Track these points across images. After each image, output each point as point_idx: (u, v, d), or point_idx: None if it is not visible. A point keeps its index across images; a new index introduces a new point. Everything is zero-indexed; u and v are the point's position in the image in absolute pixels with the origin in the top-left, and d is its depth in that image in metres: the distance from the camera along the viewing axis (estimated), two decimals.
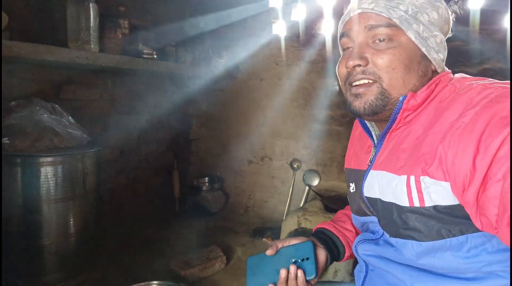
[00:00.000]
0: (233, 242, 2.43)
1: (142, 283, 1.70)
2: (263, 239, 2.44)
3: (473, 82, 0.70)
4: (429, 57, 0.75)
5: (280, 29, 2.75)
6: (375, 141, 0.84)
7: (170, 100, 2.84)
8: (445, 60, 0.79)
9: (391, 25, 0.73)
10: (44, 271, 1.65)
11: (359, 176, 0.86)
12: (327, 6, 2.40)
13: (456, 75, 0.78)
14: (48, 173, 1.58)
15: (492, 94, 0.62)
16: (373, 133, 0.85)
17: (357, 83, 0.76)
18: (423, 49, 0.74)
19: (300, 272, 0.81)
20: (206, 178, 3.06)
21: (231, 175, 3.06)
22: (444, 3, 0.78)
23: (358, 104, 0.76)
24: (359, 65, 0.75)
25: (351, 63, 0.75)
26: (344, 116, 2.58)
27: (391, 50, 0.73)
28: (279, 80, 2.80)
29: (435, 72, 0.78)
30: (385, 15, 0.73)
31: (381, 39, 0.74)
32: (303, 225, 1.97)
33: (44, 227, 1.61)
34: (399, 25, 0.73)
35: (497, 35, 2.15)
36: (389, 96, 0.74)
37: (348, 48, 0.80)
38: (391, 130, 0.77)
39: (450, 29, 0.82)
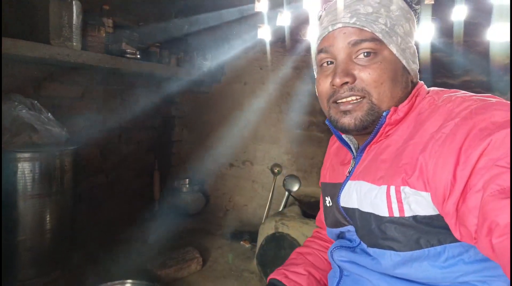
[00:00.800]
0: (210, 244, 2.43)
1: (116, 282, 1.70)
2: (241, 242, 2.45)
3: (451, 94, 0.72)
4: (408, 68, 0.76)
5: (265, 34, 2.77)
6: (354, 154, 0.85)
7: (152, 101, 2.83)
8: (417, 69, 0.81)
9: (374, 39, 0.72)
10: (18, 267, 1.63)
11: (336, 189, 0.86)
12: (312, 12, 2.45)
13: (431, 88, 0.79)
14: (25, 169, 1.56)
15: (472, 106, 0.63)
16: (351, 146, 0.85)
17: (344, 100, 0.75)
18: (403, 61, 0.74)
19: None
20: (187, 179, 3.05)
21: (212, 177, 3.07)
22: (413, 15, 0.79)
23: (348, 121, 0.75)
24: (347, 83, 0.73)
25: (338, 80, 0.73)
26: (325, 123, 2.62)
27: (377, 65, 0.72)
28: (262, 84, 2.82)
29: (412, 82, 0.79)
30: (368, 29, 0.72)
31: (365, 54, 0.73)
32: (280, 230, 1.99)
33: (20, 223, 1.60)
34: (382, 39, 0.72)
35: (478, 48, 2.19)
36: (379, 111, 0.74)
37: (326, 64, 0.78)
38: (372, 143, 0.78)
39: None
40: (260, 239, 2.08)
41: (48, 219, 1.68)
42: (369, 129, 0.76)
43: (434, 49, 2.23)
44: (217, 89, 2.99)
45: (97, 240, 2.29)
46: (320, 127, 2.65)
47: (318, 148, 2.65)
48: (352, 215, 0.80)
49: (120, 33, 2.36)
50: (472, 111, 0.62)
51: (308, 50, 2.63)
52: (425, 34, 2.24)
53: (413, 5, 0.80)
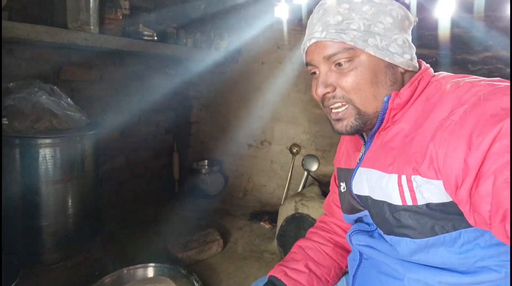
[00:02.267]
0: (231, 225, 2.46)
1: (139, 265, 1.74)
2: (261, 223, 2.47)
3: (459, 79, 0.71)
4: (394, 63, 0.75)
5: (282, 12, 2.70)
6: (365, 140, 0.85)
7: (170, 82, 2.83)
8: (414, 56, 0.79)
9: (346, 48, 0.73)
10: (42, 252, 1.68)
11: (349, 175, 0.87)
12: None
13: (439, 73, 0.79)
14: (46, 154, 1.59)
15: (481, 91, 0.63)
16: (363, 133, 0.86)
17: (332, 106, 0.78)
18: (386, 59, 0.74)
19: None
20: (206, 160, 3.08)
21: (230, 158, 3.08)
22: (396, 3, 0.77)
23: (340, 127, 0.78)
24: (328, 92, 0.76)
25: (319, 92, 0.77)
26: None
27: (353, 71, 0.73)
28: (280, 64, 2.77)
29: (407, 72, 0.78)
30: (338, 41, 0.73)
31: (341, 63, 0.74)
32: (300, 211, 1.99)
33: (43, 208, 1.63)
34: (355, 46, 0.73)
35: (500, 23, 2.12)
36: (365, 114, 0.75)
37: (315, 73, 0.81)
38: (380, 129, 0.78)
39: (413, 18, 0.81)
40: (280, 220, 2.09)
41: (70, 203, 1.72)
42: (365, 128, 0.78)
43: (454, 24, 2.16)
44: (234, 70, 2.95)
45: (119, 222, 2.36)
46: None
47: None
48: (365, 202, 0.81)
49: (137, 15, 2.35)
50: (481, 97, 0.62)
51: None
52: (445, 9, 2.15)
53: None
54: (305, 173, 2.40)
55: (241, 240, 2.30)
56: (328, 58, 0.75)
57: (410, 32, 0.80)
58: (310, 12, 2.59)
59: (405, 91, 0.74)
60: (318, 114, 2.66)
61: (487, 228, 0.58)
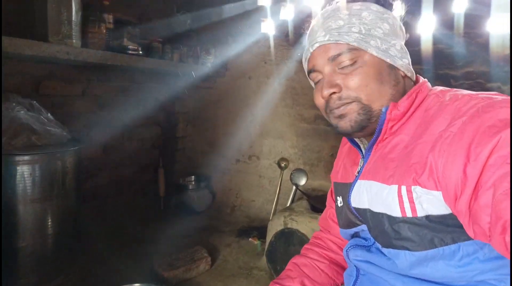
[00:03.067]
0: (219, 242, 2.40)
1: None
2: (249, 239, 2.41)
3: (457, 92, 0.72)
4: (395, 65, 0.77)
5: (268, 28, 2.71)
6: (363, 153, 0.85)
7: (156, 97, 2.79)
8: (410, 63, 0.82)
9: (351, 49, 0.75)
10: (19, 274, 1.59)
11: (346, 189, 0.86)
12: (315, 5, 2.39)
13: (435, 87, 0.80)
14: (24, 172, 1.52)
15: (479, 104, 0.64)
16: (361, 146, 0.87)
17: (337, 108, 0.78)
18: (388, 60, 0.76)
19: None
20: (193, 176, 3.02)
21: (218, 173, 3.03)
22: (391, 13, 0.81)
23: (344, 124, 0.78)
24: (334, 93, 0.77)
25: (325, 92, 0.77)
26: None
27: (358, 70, 0.75)
28: (267, 79, 2.77)
29: (406, 78, 0.80)
30: (342, 42, 0.76)
31: (346, 64, 0.76)
32: (289, 226, 1.95)
33: (20, 228, 1.55)
34: (358, 47, 0.75)
35: (479, 39, 2.19)
36: (371, 109, 0.76)
37: (319, 80, 0.82)
38: (378, 140, 0.78)
39: (405, 32, 0.85)
40: (269, 236, 2.04)
41: (50, 223, 1.64)
42: (368, 128, 0.78)
43: (435, 40, 2.23)
44: (221, 84, 2.94)
45: (103, 242, 2.27)
46: (326, 121, 2.56)
47: (325, 142, 2.60)
48: (364, 215, 0.79)
49: (121, 28, 2.31)
50: (479, 109, 0.63)
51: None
52: (426, 26, 2.22)
53: (390, 2, 0.82)
54: (294, 187, 2.36)
55: (230, 257, 2.23)
56: (332, 59, 0.77)
57: (404, 42, 0.82)
58: (296, 27, 2.63)
59: (403, 103, 0.74)
60: (306, 128, 2.65)
61: (487, 240, 0.58)
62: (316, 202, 2.18)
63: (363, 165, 0.82)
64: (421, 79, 0.82)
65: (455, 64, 2.26)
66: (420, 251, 0.68)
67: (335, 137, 2.58)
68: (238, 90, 2.88)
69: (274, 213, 2.38)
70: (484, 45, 2.13)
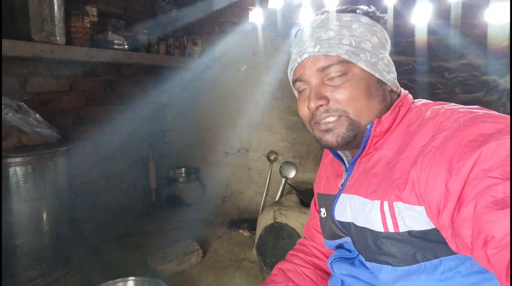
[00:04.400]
0: (210, 234, 2.44)
1: (118, 280, 1.70)
2: (240, 231, 2.46)
3: (439, 107, 0.73)
4: (383, 80, 0.77)
5: (257, 17, 2.69)
6: (347, 166, 0.86)
7: (143, 90, 2.76)
8: (396, 77, 0.82)
9: (341, 61, 0.75)
10: (18, 270, 1.62)
11: (330, 201, 0.87)
12: None
13: (418, 100, 0.81)
14: (17, 173, 1.52)
15: (461, 118, 0.64)
16: (344, 159, 0.87)
17: (324, 121, 0.77)
18: (376, 74, 0.76)
19: None
20: (183, 169, 3.03)
21: (207, 166, 3.04)
22: (379, 25, 0.81)
23: (330, 138, 0.78)
24: (321, 105, 0.76)
25: (312, 105, 0.76)
26: None
27: (348, 83, 0.75)
28: (256, 70, 2.76)
29: (392, 92, 0.80)
30: (333, 54, 0.75)
31: (334, 76, 0.75)
32: (278, 220, 1.99)
33: (15, 228, 1.57)
34: (349, 59, 0.74)
35: (476, 30, 2.15)
36: (359, 126, 0.76)
37: (303, 90, 0.81)
38: (361, 155, 0.79)
39: (390, 44, 0.84)
40: (259, 229, 2.08)
41: (45, 221, 1.65)
42: (352, 144, 0.77)
43: (430, 31, 2.19)
44: (209, 76, 2.91)
45: (96, 234, 2.29)
46: None
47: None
48: (348, 228, 0.80)
49: (105, 21, 2.27)
50: (460, 123, 0.63)
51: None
52: (421, 15, 2.18)
53: (378, 15, 0.82)
54: (283, 180, 2.40)
55: (221, 249, 2.28)
56: (322, 70, 0.76)
57: (388, 53, 0.82)
58: (285, 17, 2.60)
59: (387, 119, 0.75)
60: (295, 121, 2.67)
61: (469, 254, 0.58)
62: (305, 197, 2.23)
63: (347, 178, 0.83)
64: (402, 91, 0.82)
65: (450, 56, 2.24)
66: (402, 267, 0.69)
67: None
68: (226, 82, 2.86)
69: (263, 206, 2.42)
70: (480, 36, 2.11)
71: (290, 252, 1.07)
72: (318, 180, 1.00)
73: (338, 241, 0.87)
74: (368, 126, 0.75)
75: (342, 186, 0.84)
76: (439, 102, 0.76)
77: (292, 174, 2.36)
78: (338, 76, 0.75)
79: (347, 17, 0.78)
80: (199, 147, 3.04)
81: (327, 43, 0.75)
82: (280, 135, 2.73)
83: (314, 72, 0.77)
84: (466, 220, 0.56)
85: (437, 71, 2.26)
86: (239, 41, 2.74)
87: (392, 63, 0.81)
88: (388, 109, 0.78)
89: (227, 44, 2.76)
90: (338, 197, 0.83)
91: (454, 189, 0.59)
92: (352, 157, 0.83)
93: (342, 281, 0.87)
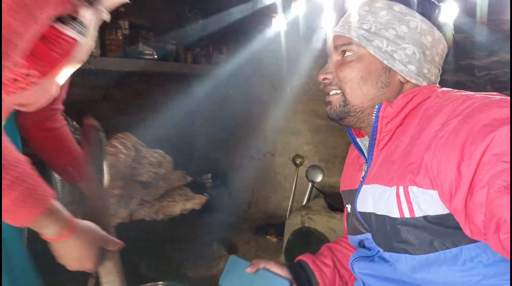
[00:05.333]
0: (237, 239, 2.47)
1: (149, 284, 1.74)
2: (267, 236, 2.47)
3: (456, 93, 0.74)
4: (393, 68, 0.79)
5: (280, 24, 2.72)
6: (366, 157, 0.87)
7: (172, 98, 2.84)
8: (423, 72, 0.79)
9: (351, 43, 0.81)
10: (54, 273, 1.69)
11: (353, 195, 0.88)
12: (327, 0, 2.39)
13: (442, 89, 0.82)
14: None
15: (475, 104, 0.65)
16: (364, 151, 0.88)
17: (329, 93, 0.86)
18: (385, 62, 0.79)
19: None
20: (209, 174, 3.08)
21: (233, 171, 3.08)
22: (419, 16, 0.79)
23: (329, 110, 0.86)
24: (326, 79, 0.85)
25: (320, 77, 0.86)
26: None
27: (349, 63, 0.81)
28: (280, 75, 2.79)
29: (409, 83, 0.81)
30: (346, 35, 0.81)
31: (345, 54, 0.82)
32: (307, 224, 2.00)
33: None
34: (359, 42, 0.80)
35: (505, 26, 2.10)
36: (349, 104, 0.82)
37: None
38: (376, 141, 0.81)
39: (446, 44, 0.84)
40: (287, 234, 2.09)
41: None
42: (346, 120, 0.83)
43: (457, 30, 2.16)
44: (234, 83, 2.97)
45: (127, 240, 2.35)
46: None
47: (340, 138, 2.62)
48: (369, 219, 0.81)
49: (136, 33, 2.36)
50: (474, 108, 0.63)
51: (324, 39, 2.58)
52: (447, 15, 2.16)
53: (421, 3, 0.80)
54: (310, 184, 2.40)
55: (248, 254, 2.30)
56: (336, 47, 0.84)
57: (435, 51, 0.81)
58: (308, 22, 2.63)
59: (398, 101, 0.77)
60: (320, 124, 2.68)
61: (483, 239, 0.59)
62: (332, 200, 2.22)
63: (367, 169, 0.84)
64: (429, 83, 0.81)
65: (478, 54, 2.21)
66: (420, 255, 0.69)
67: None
68: (250, 88, 2.91)
69: (290, 211, 2.43)
70: (508, 32, 2.06)
71: (339, 238, 1.11)
72: (343, 178, 1.02)
73: (359, 237, 0.89)
74: (377, 107, 0.78)
75: (363, 178, 0.85)
76: (459, 90, 0.77)
77: (319, 178, 2.36)
78: (347, 55, 0.82)
79: (379, 3, 0.81)
80: (225, 152, 3.09)
81: (348, 25, 0.82)
82: (306, 139, 2.75)
83: (332, 48, 0.85)
84: (479, 204, 0.57)
85: (466, 69, 2.23)
86: (263, 48, 2.78)
87: (422, 57, 0.78)
88: (394, 97, 0.80)
89: (252, 51, 2.81)
90: (360, 188, 0.85)
91: (466, 173, 0.59)
92: (368, 143, 0.85)
93: (363, 283, 0.87)
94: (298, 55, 2.71)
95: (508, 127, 0.57)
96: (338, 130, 2.63)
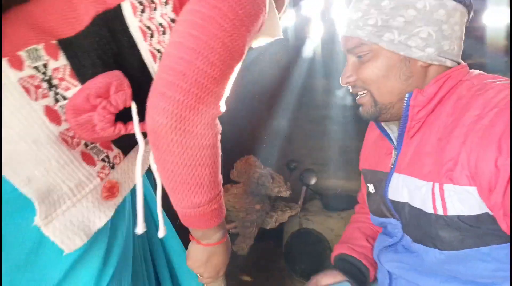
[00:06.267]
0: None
1: None
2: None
3: (491, 80, 0.71)
4: (412, 57, 0.75)
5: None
6: (395, 143, 0.86)
7: None
8: (444, 50, 0.76)
9: (362, 44, 0.78)
10: None
11: (379, 178, 0.88)
12: (315, 11, 2.46)
13: (472, 71, 0.79)
14: None
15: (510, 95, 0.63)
16: (391, 136, 0.87)
17: (357, 94, 0.84)
18: (402, 53, 0.75)
19: None
20: None
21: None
22: None
23: (362, 112, 0.84)
24: (349, 82, 0.83)
25: (343, 81, 0.84)
26: (337, 115, 2.65)
27: (368, 63, 0.78)
28: (271, 84, 2.82)
29: (432, 66, 0.76)
30: (354, 37, 0.79)
31: (360, 56, 0.80)
32: (305, 226, 2.01)
33: None
34: (370, 41, 0.77)
35: (476, 32, 2.26)
36: (379, 104, 0.80)
37: None
38: (407, 129, 0.79)
39: (465, 12, 0.79)
40: (286, 236, 2.09)
41: None
42: (383, 116, 0.81)
43: None
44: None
45: None
46: (332, 120, 2.66)
47: (332, 141, 2.66)
48: (401, 209, 0.80)
49: None
50: (510, 100, 0.62)
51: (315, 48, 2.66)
52: None
53: None
54: (304, 187, 2.41)
55: (248, 261, 2.27)
56: (348, 51, 0.82)
57: (453, 22, 0.76)
58: (297, 31, 2.67)
59: (429, 88, 0.75)
60: (313, 128, 2.72)
61: None
62: (328, 201, 2.24)
63: (397, 156, 0.82)
64: (461, 63, 0.80)
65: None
66: (449, 251, 0.70)
67: (343, 137, 2.64)
68: (243, 93, 2.92)
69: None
70: (480, 38, 2.22)
71: (353, 216, 1.12)
72: (363, 156, 1.02)
73: (383, 220, 0.89)
74: (407, 95, 0.76)
75: (393, 165, 0.84)
76: (493, 75, 0.75)
77: (313, 181, 2.38)
78: (362, 56, 0.79)
79: None
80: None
81: (353, 25, 0.79)
82: (299, 143, 2.77)
83: (346, 51, 0.83)
84: None
85: None
86: (250, 59, 2.82)
87: (438, 35, 0.74)
88: (420, 86, 0.77)
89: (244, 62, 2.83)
90: (391, 176, 0.83)
91: (504, 167, 0.59)
92: (398, 131, 0.83)
93: (390, 272, 0.87)
94: (287, 63, 2.76)
95: None
96: (330, 134, 2.67)
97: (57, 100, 0.63)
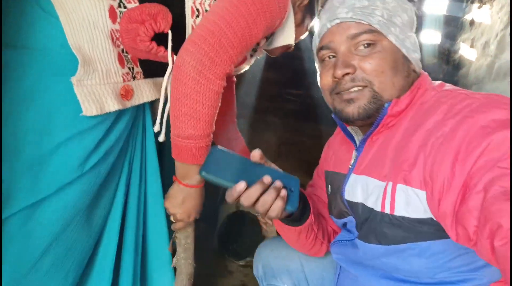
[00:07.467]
0: None
1: None
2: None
3: (455, 90, 0.72)
4: (409, 57, 0.76)
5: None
6: (357, 145, 0.84)
7: None
8: (419, 59, 0.81)
9: (372, 31, 0.74)
10: None
11: (338, 179, 0.87)
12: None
13: (435, 82, 0.79)
14: None
15: (474, 103, 0.62)
16: (355, 137, 0.85)
17: (348, 90, 0.76)
18: (403, 50, 0.75)
19: (284, 192, 0.67)
20: None
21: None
22: (410, 4, 0.80)
23: (352, 110, 0.76)
24: (348, 73, 0.75)
25: (339, 72, 0.75)
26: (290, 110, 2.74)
27: (376, 54, 0.74)
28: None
29: (414, 72, 0.79)
30: (364, 22, 0.75)
31: (365, 45, 0.75)
32: (241, 208, 2.06)
33: None
34: (380, 30, 0.74)
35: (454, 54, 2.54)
36: (381, 99, 0.74)
37: (328, 58, 0.81)
38: (372, 134, 0.78)
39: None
40: (221, 218, 2.13)
41: None
42: (372, 118, 0.76)
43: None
44: None
45: None
46: (275, 113, 2.76)
47: (274, 134, 2.75)
48: (356, 209, 0.79)
49: None
50: (473, 109, 0.61)
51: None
52: None
53: None
54: None
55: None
56: (352, 37, 0.75)
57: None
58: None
59: (405, 99, 0.73)
60: (256, 119, 2.79)
61: (469, 245, 0.56)
62: None
63: (357, 158, 0.81)
64: (422, 73, 0.80)
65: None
66: (390, 245, 0.71)
67: (284, 130, 2.75)
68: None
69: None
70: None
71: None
72: (324, 157, 1.00)
73: (344, 220, 0.87)
74: (386, 105, 0.73)
75: (352, 166, 0.83)
76: (457, 87, 0.74)
77: None
78: (367, 46, 0.74)
79: None
80: None
81: (360, 11, 0.75)
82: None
83: (344, 39, 0.76)
84: (473, 209, 0.54)
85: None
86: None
87: (418, 45, 0.80)
88: (409, 87, 0.76)
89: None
90: (349, 177, 0.82)
91: (460, 174, 0.57)
92: (364, 135, 0.81)
93: (340, 267, 0.91)
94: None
95: (507, 131, 0.54)
96: (273, 126, 2.75)
97: (119, 5, 0.83)
